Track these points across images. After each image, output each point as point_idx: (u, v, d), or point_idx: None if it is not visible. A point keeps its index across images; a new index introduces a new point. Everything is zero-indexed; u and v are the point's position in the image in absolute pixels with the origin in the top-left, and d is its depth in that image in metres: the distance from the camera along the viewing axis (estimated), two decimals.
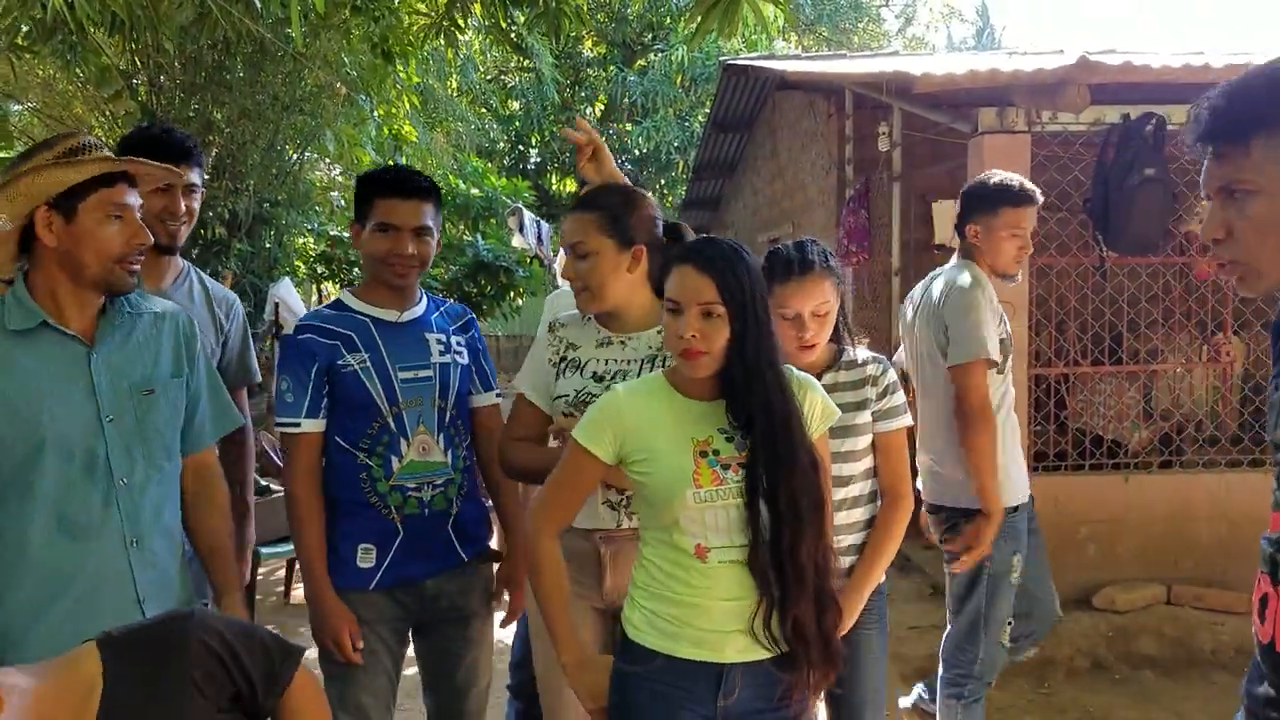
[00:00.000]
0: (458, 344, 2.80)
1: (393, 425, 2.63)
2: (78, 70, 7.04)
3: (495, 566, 2.92)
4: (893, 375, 2.68)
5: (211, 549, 2.41)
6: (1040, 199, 3.38)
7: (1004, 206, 3.28)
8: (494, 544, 2.95)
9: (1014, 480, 3.43)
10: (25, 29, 4.62)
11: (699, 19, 3.57)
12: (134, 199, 2.19)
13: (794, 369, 2.22)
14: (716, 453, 2.07)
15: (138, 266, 2.21)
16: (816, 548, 2.05)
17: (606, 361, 2.53)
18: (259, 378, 3.18)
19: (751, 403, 2.05)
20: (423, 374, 2.68)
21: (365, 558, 2.62)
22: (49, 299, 2.12)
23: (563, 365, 2.56)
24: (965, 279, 3.34)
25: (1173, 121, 5.23)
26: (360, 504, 2.63)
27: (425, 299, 2.83)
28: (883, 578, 2.73)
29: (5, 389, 2.04)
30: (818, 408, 2.19)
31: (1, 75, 7.39)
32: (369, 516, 2.63)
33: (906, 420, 2.69)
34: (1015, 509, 3.39)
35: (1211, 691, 4.68)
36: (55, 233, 2.08)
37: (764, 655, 2.07)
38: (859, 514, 2.67)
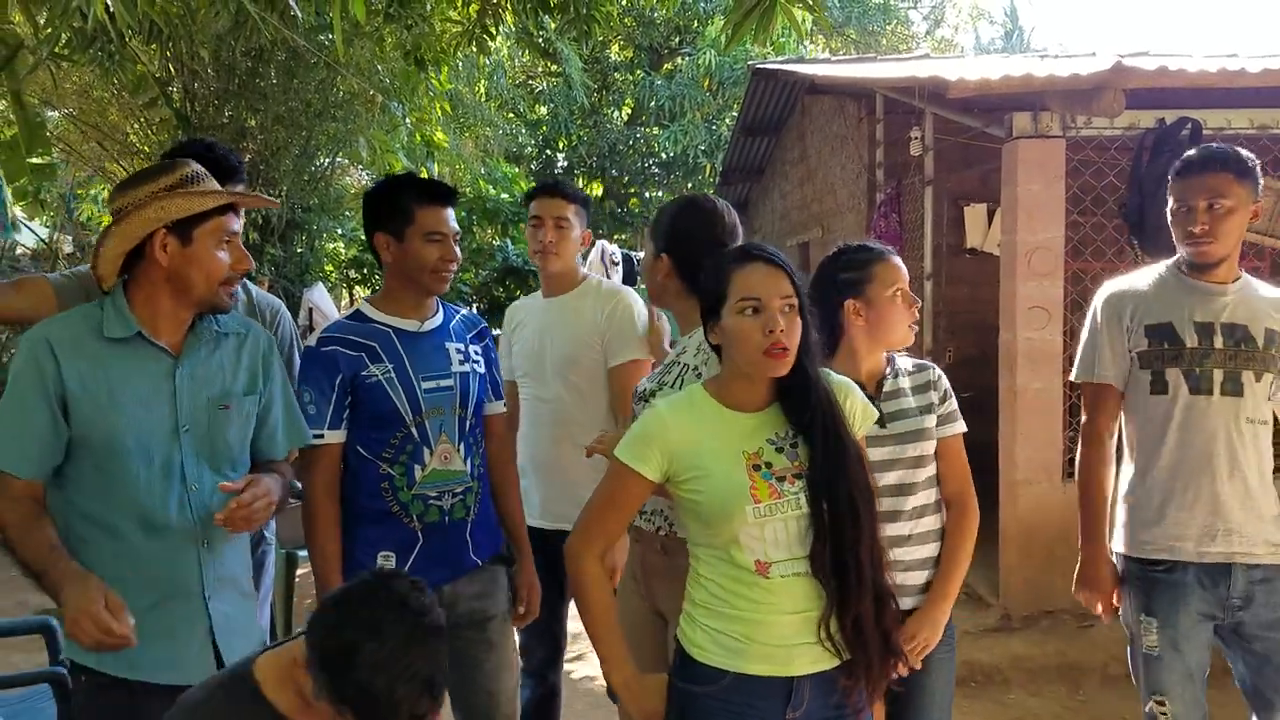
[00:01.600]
0: (475, 353, 2.84)
1: (416, 435, 2.65)
2: (114, 78, 7.13)
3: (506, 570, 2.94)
4: (945, 379, 2.61)
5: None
6: (1221, 161, 2.77)
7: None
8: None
9: (1139, 525, 2.87)
10: (65, 38, 4.68)
11: (734, 24, 3.57)
12: (239, 225, 2.34)
13: (833, 373, 2.22)
14: (769, 465, 2.04)
15: (236, 288, 2.38)
16: (873, 544, 2.05)
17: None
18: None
19: (815, 400, 2.05)
20: (444, 383, 2.71)
21: (385, 565, 2.63)
22: (147, 312, 2.25)
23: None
24: None
25: (1208, 126, 5.19)
26: (381, 512, 2.65)
27: (441, 307, 2.85)
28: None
29: (96, 393, 2.16)
30: (858, 410, 2.19)
31: (40, 83, 7.48)
32: (389, 525, 2.65)
33: (963, 426, 2.59)
34: (1142, 562, 2.85)
35: None
36: (170, 254, 2.21)
37: (833, 664, 2.05)
38: (929, 523, 2.54)
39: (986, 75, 5.05)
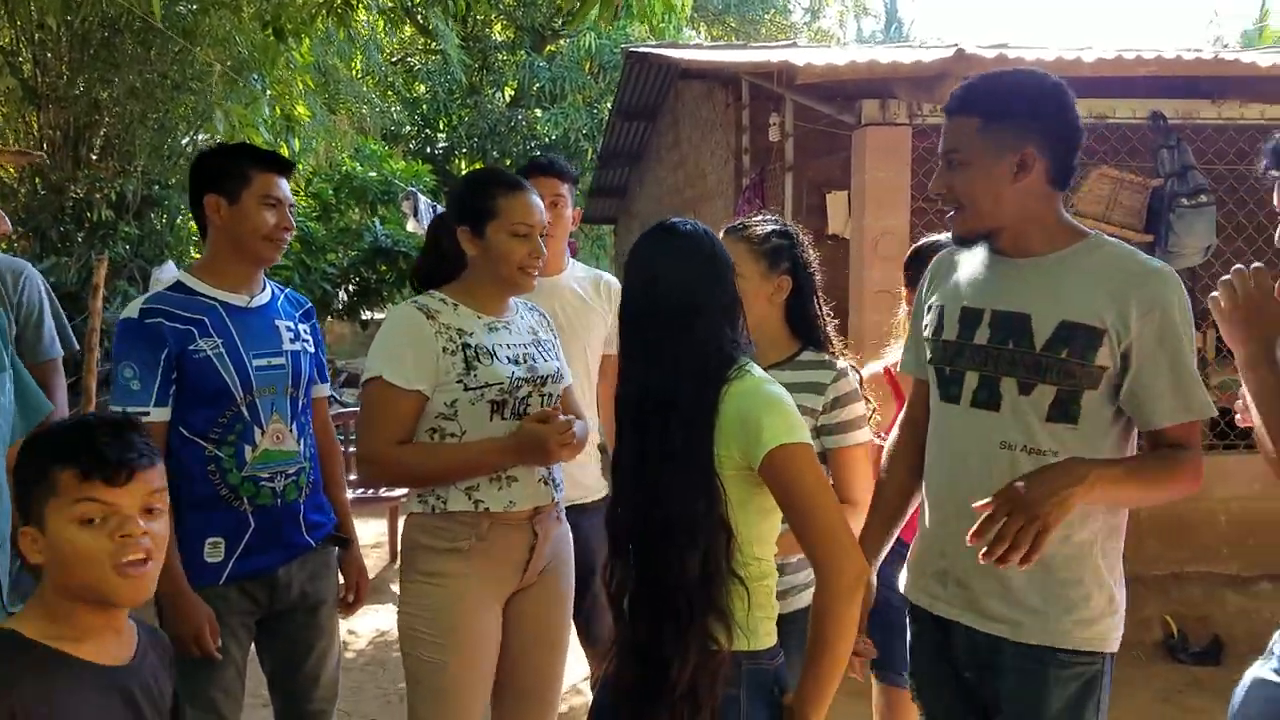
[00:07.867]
0: (304, 331, 2.78)
1: (246, 414, 2.56)
2: None
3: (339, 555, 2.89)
4: (847, 386, 2.47)
5: None
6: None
7: None
8: None
9: None
10: None
11: (578, 4, 3.60)
12: None
13: (768, 381, 1.98)
14: None
15: None
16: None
17: (509, 346, 2.57)
18: (62, 351, 2.97)
19: None
20: (276, 361, 2.63)
21: (214, 552, 2.53)
22: None
23: (468, 352, 2.49)
24: None
25: None
26: (209, 498, 2.52)
27: (268, 285, 2.77)
28: None
29: None
30: (751, 433, 1.88)
31: None
32: (218, 509, 2.53)
33: (853, 439, 2.46)
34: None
35: None
36: None
37: None
38: None
39: (833, 61, 5.16)
